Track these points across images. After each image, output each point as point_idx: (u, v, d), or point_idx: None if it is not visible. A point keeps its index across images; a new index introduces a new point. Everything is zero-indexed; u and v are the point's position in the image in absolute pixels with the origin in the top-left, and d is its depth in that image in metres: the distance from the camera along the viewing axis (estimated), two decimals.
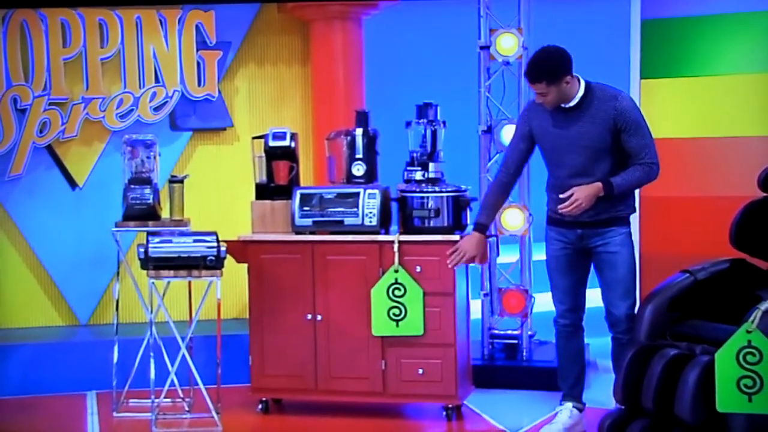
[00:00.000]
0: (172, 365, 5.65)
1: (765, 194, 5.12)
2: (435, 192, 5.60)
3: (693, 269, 5.03)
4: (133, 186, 5.87)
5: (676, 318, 4.93)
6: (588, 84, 5.12)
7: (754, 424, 4.44)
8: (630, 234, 5.21)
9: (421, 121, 5.75)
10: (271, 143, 5.95)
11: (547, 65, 5.03)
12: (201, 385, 5.60)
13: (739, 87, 6.10)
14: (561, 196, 5.06)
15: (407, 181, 5.72)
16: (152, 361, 5.68)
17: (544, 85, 5.03)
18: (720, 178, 5.87)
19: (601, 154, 5.08)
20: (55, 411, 5.98)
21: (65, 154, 6.91)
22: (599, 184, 5.03)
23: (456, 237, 5.53)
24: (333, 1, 6.76)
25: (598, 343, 5.69)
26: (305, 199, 5.72)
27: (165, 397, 5.70)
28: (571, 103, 5.11)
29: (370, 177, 5.85)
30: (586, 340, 5.40)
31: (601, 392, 5.57)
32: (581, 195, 5.01)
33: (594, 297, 5.34)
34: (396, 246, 5.54)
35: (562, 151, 5.10)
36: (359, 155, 5.85)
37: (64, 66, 6.79)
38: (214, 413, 5.56)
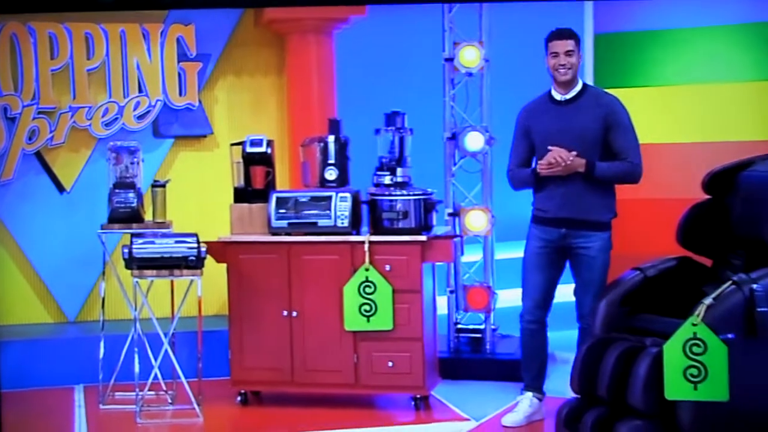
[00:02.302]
0: (156, 360, 5.64)
1: (709, 197, 5.17)
2: (403, 195, 5.60)
3: (643, 267, 5.04)
4: (117, 190, 5.85)
5: (628, 312, 4.95)
6: (584, 82, 5.22)
7: (700, 410, 4.47)
8: (609, 238, 5.24)
9: (390, 128, 5.76)
10: (249, 149, 5.94)
11: (574, 30, 5.16)
12: (183, 379, 5.60)
13: (683, 96, 6.15)
14: (549, 147, 5.06)
15: (377, 185, 5.73)
16: (136, 355, 5.67)
17: (573, 42, 5.11)
18: (668, 182, 5.90)
19: (590, 147, 5.10)
20: (44, 404, 5.94)
21: (53, 160, 6.87)
22: (583, 160, 5.05)
23: (423, 237, 5.55)
24: (307, 4, 6.73)
25: (558, 336, 5.70)
26: (281, 202, 5.71)
27: (149, 390, 5.70)
28: (569, 95, 5.15)
29: (342, 181, 5.85)
30: (548, 334, 5.42)
31: (560, 382, 5.59)
32: (564, 156, 5.02)
33: (561, 294, 5.39)
34: (366, 246, 5.54)
35: (552, 141, 5.11)
36: (332, 161, 5.85)
37: (52, 77, 6.75)
38: (195, 405, 5.56)
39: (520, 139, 5.32)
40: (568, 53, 5.12)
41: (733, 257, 5.00)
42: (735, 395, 4.44)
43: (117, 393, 5.85)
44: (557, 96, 5.23)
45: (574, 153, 5.05)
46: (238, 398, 5.81)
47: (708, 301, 4.47)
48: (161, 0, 5.90)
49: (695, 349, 4.43)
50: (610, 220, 5.24)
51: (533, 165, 5.30)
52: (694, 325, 4.43)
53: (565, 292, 5.44)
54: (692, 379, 4.44)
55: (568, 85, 5.19)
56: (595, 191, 5.16)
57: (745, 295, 4.47)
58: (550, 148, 5.09)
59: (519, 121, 5.35)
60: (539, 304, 5.31)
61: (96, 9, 6.33)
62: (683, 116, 6.15)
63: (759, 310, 4.44)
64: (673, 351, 4.45)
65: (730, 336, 4.44)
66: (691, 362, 4.43)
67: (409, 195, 5.60)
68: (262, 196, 5.85)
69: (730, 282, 4.53)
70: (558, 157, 5.05)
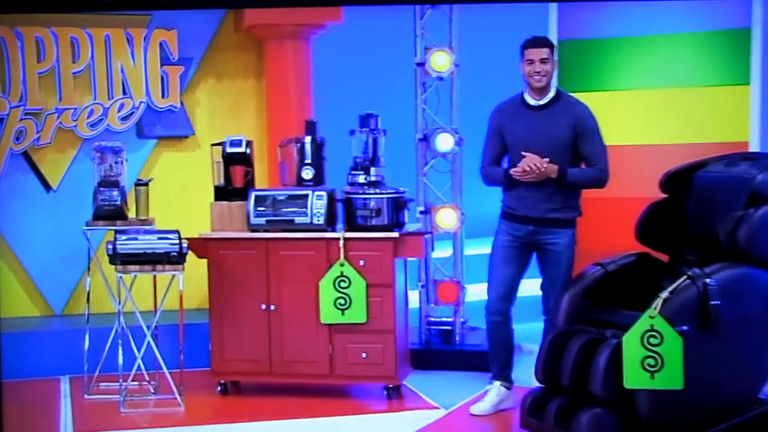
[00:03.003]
0: (139, 351, 5.63)
1: (666, 196, 5.22)
2: (376, 194, 5.61)
3: (604, 262, 5.07)
4: (102, 189, 5.84)
5: (589, 305, 4.98)
6: (558, 89, 5.23)
7: (656, 398, 4.52)
8: (574, 235, 5.27)
9: (364, 129, 5.77)
10: (229, 150, 5.93)
11: (549, 39, 5.19)
12: (165, 370, 5.59)
13: (641, 100, 6.18)
14: (523, 152, 5.06)
15: (351, 184, 5.73)
16: (120, 348, 5.68)
17: (548, 51, 5.12)
18: (628, 182, 5.91)
19: (560, 151, 5.11)
20: (31, 394, 5.92)
21: (40, 160, 6.84)
22: (556, 167, 5.07)
23: (395, 234, 5.57)
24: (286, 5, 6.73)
25: (524, 328, 5.74)
26: (259, 200, 5.71)
27: (132, 381, 5.69)
28: (543, 101, 5.17)
29: (317, 180, 5.85)
30: (513, 326, 5.43)
31: (526, 372, 5.63)
32: (538, 164, 5.04)
33: (524, 288, 5.41)
34: (341, 242, 5.55)
35: (526, 146, 5.11)
36: (308, 160, 5.85)
37: (39, 79, 6.72)
38: (177, 395, 5.56)
39: (493, 138, 5.32)
40: (542, 61, 5.13)
41: (688, 253, 5.04)
42: (689, 383, 4.49)
43: (102, 383, 5.84)
44: (531, 101, 5.22)
45: (547, 159, 5.07)
46: (219, 388, 5.81)
47: (664, 294, 4.52)
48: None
49: (652, 340, 4.47)
50: (575, 218, 5.29)
51: (504, 163, 5.31)
52: (651, 317, 4.47)
53: (530, 287, 5.45)
54: (649, 368, 4.48)
55: (542, 91, 5.19)
56: (561, 192, 5.18)
57: (699, 289, 4.52)
58: (524, 154, 5.08)
59: (492, 120, 5.34)
60: (504, 297, 5.32)
61: (93, 9, 6.32)
62: (642, 119, 6.17)
63: (712, 303, 4.50)
64: (631, 342, 4.49)
65: (684, 328, 4.48)
66: (648, 353, 4.47)
67: (382, 193, 5.61)
68: (241, 194, 5.85)
69: (685, 277, 4.58)
70: (532, 165, 5.07)
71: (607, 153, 5.21)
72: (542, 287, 5.33)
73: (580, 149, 5.17)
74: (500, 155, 5.33)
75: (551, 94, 5.21)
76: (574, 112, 5.19)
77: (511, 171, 5.15)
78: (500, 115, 5.31)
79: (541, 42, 5.17)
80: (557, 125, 5.15)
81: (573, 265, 5.28)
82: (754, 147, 5.87)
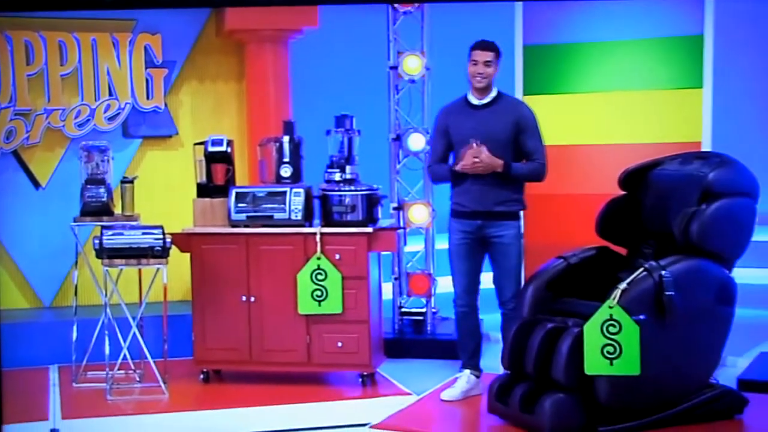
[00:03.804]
0: (125, 342, 5.62)
1: (624, 192, 5.26)
2: (351, 191, 5.61)
3: (566, 255, 5.11)
4: (89, 186, 5.82)
5: (552, 296, 5.01)
6: (499, 90, 5.26)
7: (615, 383, 4.57)
8: (520, 228, 5.30)
9: (339, 130, 5.75)
10: (210, 149, 5.92)
11: (496, 44, 5.19)
12: (150, 359, 5.58)
13: (602, 103, 6.20)
14: (473, 140, 5.06)
15: (327, 182, 5.71)
16: (107, 338, 5.65)
17: (493, 55, 5.14)
18: (589, 179, 5.95)
19: (503, 147, 5.14)
20: (21, 383, 5.89)
21: (30, 159, 6.81)
22: (501, 161, 5.10)
23: (369, 229, 5.57)
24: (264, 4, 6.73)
25: (491, 319, 5.77)
26: (240, 197, 5.71)
27: (118, 370, 5.67)
28: (485, 100, 5.20)
29: (295, 178, 5.84)
30: (480, 317, 5.45)
31: (493, 360, 5.67)
32: (483, 158, 5.07)
33: (487, 280, 5.42)
34: (318, 237, 5.55)
35: (470, 142, 5.12)
36: (286, 159, 5.84)
37: (28, 81, 6.69)
38: (161, 382, 5.55)
39: (439, 138, 5.34)
40: (486, 63, 5.16)
41: (645, 247, 5.09)
42: (645, 369, 4.53)
43: (89, 372, 5.82)
44: (474, 100, 5.26)
45: (485, 147, 5.08)
46: (201, 376, 5.81)
47: (623, 286, 4.56)
48: None
49: (611, 329, 4.51)
50: (519, 212, 5.30)
51: (450, 161, 5.34)
52: (610, 307, 4.52)
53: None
54: (609, 356, 4.52)
55: (483, 91, 5.23)
56: (505, 187, 5.20)
57: (655, 280, 4.57)
58: (474, 140, 5.08)
59: (438, 120, 5.38)
60: (468, 289, 5.34)
61: (82, 8, 6.31)
62: (603, 121, 6.19)
63: (667, 293, 4.55)
64: (592, 331, 4.53)
65: (641, 317, 4.53)
66: (607, 341, 4.51)
67: (356, 190, 5.61)
68: (222, 191, 5.84)
69: (642, 269, 4.62)
70: (472, 156, 5.09)
71: (545, 149, 5.24)
72: (495, 281, 5.34)
73: (521, 144, 5.21)
74: (446, 154, 5.35)
75: (493, 94, 5.25)
76: (515, 110, 5.24)
77: (456, 167, 5.16)
78: (446, 115, 5.34)
79: (487, 46, 5.19)
80: (499, 122, 5.18)
81: (522, 257, 5.30)
82: (706, 146, 5.92)
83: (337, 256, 5.56)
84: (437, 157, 5.38)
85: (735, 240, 4.82)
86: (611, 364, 4.52)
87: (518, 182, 5.26)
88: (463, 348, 5.46)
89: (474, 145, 5.08)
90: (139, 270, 5.79)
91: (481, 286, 5.42)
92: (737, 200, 4.81)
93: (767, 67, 7.82)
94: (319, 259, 5.54)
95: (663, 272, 4.58)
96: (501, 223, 5.22)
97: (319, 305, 5.56)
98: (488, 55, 5.17)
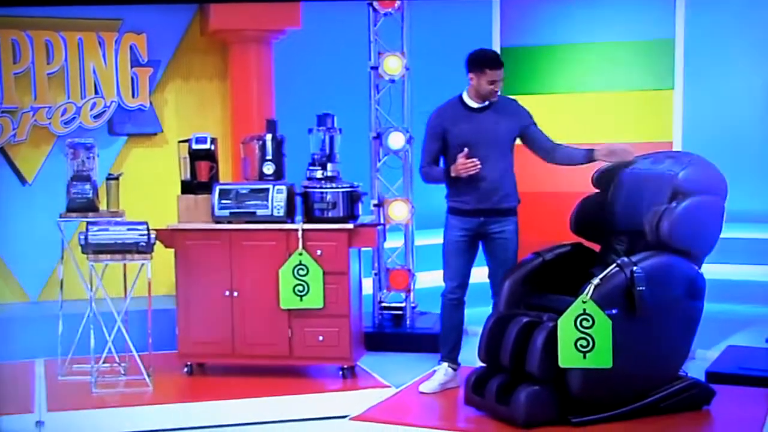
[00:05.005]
0: (110, 335, 5.60)
1: (597, 190, 5.31)
2: (332, 188, 5.61)
3: (541, 251, 5.15)
4: (75, 182, 5.79)
5: (528, 291, 5.05)
6: None
7: (587, 376, 4.60)
8: (517, 222, 5.30)
9: (321, 128, 5.76)
10: (194, 146, 5.91)
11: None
12: (134, 352, 5.57)
13: (577, 103, 6.26)
14: (462, 153, 5.06)
15: (309, 179, 5.72)
16: (92, 332, 5.64)
17: (502, 72, 5.15)
18: (563, 178, 5.98)
19: (507, 145, 5.18)
20: (8, 375, 5.88)
21: (16, 155, 6.80)
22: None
23: (350, 225, 5.58)
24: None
25: (470, 312, 5.76)
26: (223, 194, 5.70)
27: (104, 363, 5.65)
28: (485, 103, 5.20)
29: (278, 175, 5.84)
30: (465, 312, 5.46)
31: (469, 353, 5.70)
32: (617, 148, 5.08)
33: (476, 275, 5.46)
34: (300, 233, 5.56)
35: (474, 144, 5.13)
36: (269, 157, 5.84)
37: (15, 79, 6.67)
38: (145, 375, 5.54)
39: (433, 140, 5.30)
40: (501, 80, 5.18)
41: (617, 243, 5.12)
42: (616, 362, 4.57)
43: (74, 365, 5.80)
44: (473, 103, 5.23)
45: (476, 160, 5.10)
46: (185, 369, 5.81)
47: (595, 281, 4.60)
48: None
49: (584, 323, 4.55)
50: (517, 206, 5.34)
51: (441, 163, 5.34)
52: (583, 302, 4.55)
53: (476, 274, 5.49)
54: (582, 349, 4.55)
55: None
56: (505, 183, 5.23)
57: (626, 276, 4.61)
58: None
59: (432, 123, 5.33)
60: (460, 284, 5.35)
61: (75, 3, 6.29)
62: (576, 120, 6.25)
63: (638, 288, 4.59)
64: (566, 325, 4.56)
65: (613, 311, 4.57)
66: (581, 334, 4.55)
67: (337, 188, 5.62)
68: (206, 188, 5.83)
69: (614, 265, 4.66)
70: (468, 162, 5.10)
71: None
72: (490, 275, 5.34)
73: (532, 136, 5.22)
74: (438, 157, 5.34)
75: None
76: (512, 108, 5.26)
77: (455, 170, 5.14)
78: (441, 118, 5.30)
79: (501, 63, 5.17)
80: (504, 122, 5.20)
81: (518, 250, 5.33)
82: (677, 146, 5.99)
83: (319, 252, 5.56)
84: (430, 159, 5.34)
85: (703, 237, 4.86)
86: (584, 357, 4.56)
87: (513, 177, 5.28)
88: (444, 341, 5.47)
89: (466, 150, 5.08)
90: (124, 265, 5.78)
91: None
92: (706, 199, 4.85)
93: (736, 69, 7.88)
94: (300, 254, 5.55)
95: (634, 268, 4.62)
96: (503, 219, 5.25)
97: (301, 300, 5.56)
98: (501, 74, 5.16)
